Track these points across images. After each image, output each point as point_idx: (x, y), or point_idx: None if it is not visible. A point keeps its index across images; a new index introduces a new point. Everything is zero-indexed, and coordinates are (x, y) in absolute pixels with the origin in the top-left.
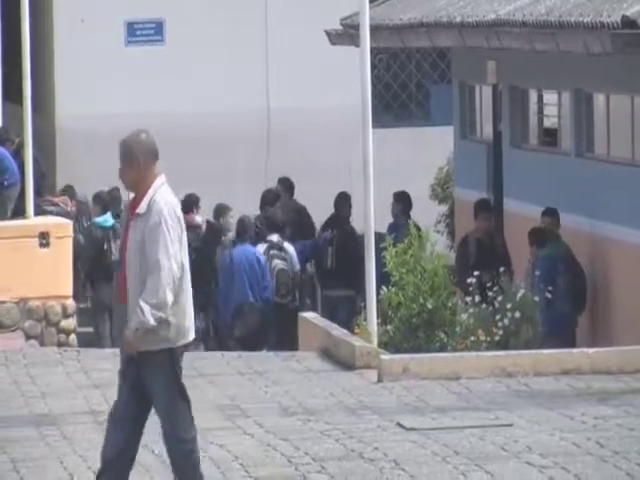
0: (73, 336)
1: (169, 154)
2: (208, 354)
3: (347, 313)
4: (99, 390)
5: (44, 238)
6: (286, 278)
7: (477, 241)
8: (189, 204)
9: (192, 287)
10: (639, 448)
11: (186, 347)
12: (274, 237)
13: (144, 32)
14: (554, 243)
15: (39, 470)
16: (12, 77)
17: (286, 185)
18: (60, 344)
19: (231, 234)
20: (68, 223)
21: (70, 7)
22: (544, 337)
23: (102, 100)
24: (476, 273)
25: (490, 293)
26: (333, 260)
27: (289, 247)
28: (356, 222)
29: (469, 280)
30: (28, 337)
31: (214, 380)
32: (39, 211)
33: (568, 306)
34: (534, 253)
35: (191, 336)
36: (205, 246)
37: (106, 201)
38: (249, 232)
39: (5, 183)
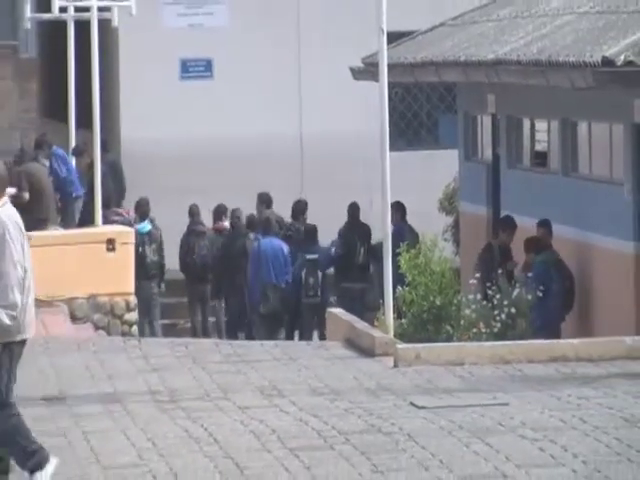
0: (135, 327)
1: (217, 171)
2: (249, 343)
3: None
4: (157, 373)
5: (111, 244)
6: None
7: (499, 248)
8: (219, 213)
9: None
10: (616, 424)
11: (24, 342)
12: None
13: (196, 69)
14: (547, 251)
15: (106, 440)
16: (84, 107)
17: (264, 199)
18: (124, 334)
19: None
20: (130, 231)
21: (133, 46)
22: (536, 330)
23: (160, 126)
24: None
25: (490, 292)
26: (364, 257)
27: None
28: (376, 230)
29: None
30: (97, 328)
31: (255, 366)
32: (106, 219)
33: (559, 304)
34: (530, 259)
35: (30, 333)
36: (232, 243)
37: (144, 209)
38: (274, 228)
39: (73, 195)
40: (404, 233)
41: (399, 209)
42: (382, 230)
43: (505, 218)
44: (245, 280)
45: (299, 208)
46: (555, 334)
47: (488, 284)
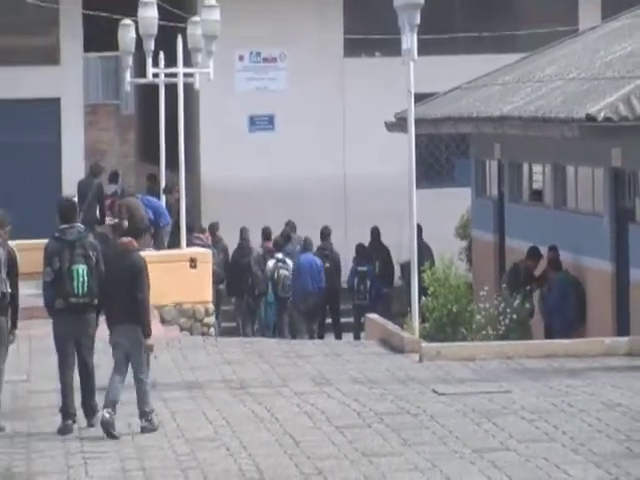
0: (212, 329)
1: (275, 204)
2: (304, 342)
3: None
4: (229, 366)
5: (193, 262)
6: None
7: (524, 268)
8: (266, 234)
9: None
10: (596, 407)
11: None
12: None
13: (261, 123)
14: (563, 270)
15: (189, 419)
16: (171, 153)
17: (291, 225)
18: (203, 334)
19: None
20: (209, 252)
21: (211, 105)
22: (557, 333)
23: (232, 167)
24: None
25: (496, 301)
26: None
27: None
28: (405, 249)
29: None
30: (182, 329)
31: (308, 360)
32: (189, 242)
33: (575, 314)
34: (552, 277)
35: None
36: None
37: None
38: (311, 246)
39: (161, 224)
40: (421, 247)
41: (417, 229)
42: (410, 252)
43: (533, 248)
44: (248, 286)
45: (326, 232)
46: (570, 337)
47: (514, 294)
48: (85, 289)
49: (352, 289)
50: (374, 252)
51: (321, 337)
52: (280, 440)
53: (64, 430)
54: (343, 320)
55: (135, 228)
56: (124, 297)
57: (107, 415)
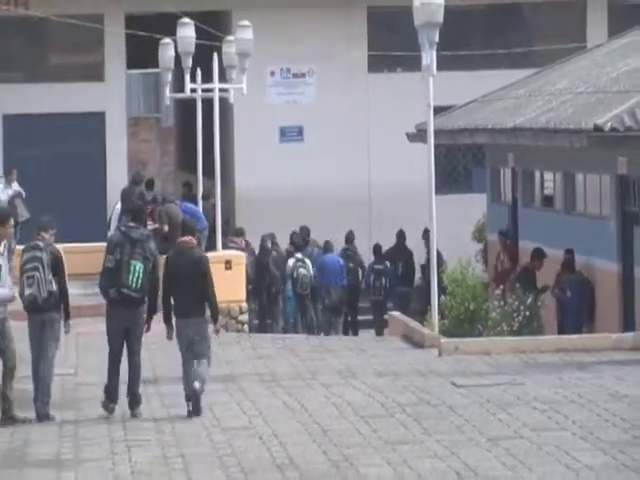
0: (246, 326)
1: (304, 209)
2: (331, 338)
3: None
4: (262, 360)
5: (228, 264)
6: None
7: (533, 269)
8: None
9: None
10: (604, 398)
11: None
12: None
13: (291, 134)
14: (577, 271)
15: (225, 410)
16: (208, 162)
17: (306, 229)
18: (238, 330)
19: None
20: (242, 255)
21: (244, 117)
22: (571, 330)
23: (264, 175)
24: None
25: (510, 300)
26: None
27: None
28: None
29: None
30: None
31: (335, 354)
32: (224, 246)
33: (587, 312)
34: (567, 277)
35: None
36: (261, 259)
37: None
38: (332, 248)
39: (199, 228)
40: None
41: (425, 236)
42: (429, 253)
43: (537, 249)
44: (266, 284)
45: (351, 237)
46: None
47: (527, 293)
48: (139, 284)
49: (369, 286)
50: (397, 254)
51: (345, 333)
52: (309, 429)
53: (107, 408)
54: (361, 318)
55: (173, 232)
56: (191, 292)
57: (197, 385)
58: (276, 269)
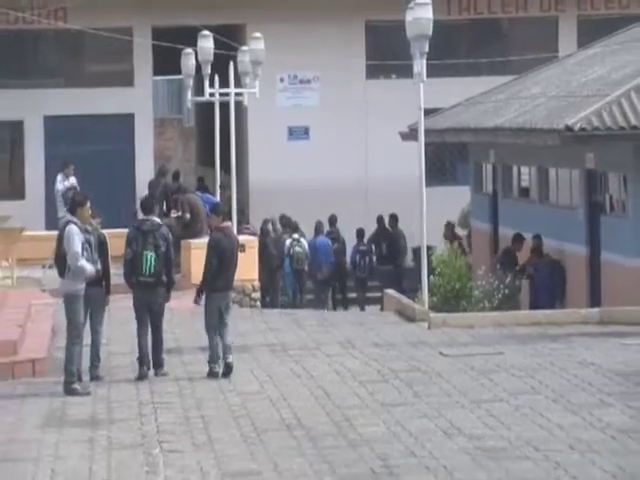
0: (258, 302)
1: (309, 200)
2: (335, 313)
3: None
4: (272, 332)
5: (242, 247)
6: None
7: (514, 251)
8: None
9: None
10: (573, 366)
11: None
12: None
13: (298, 133)
14: (545, 255)
15: (239, 376)
16: (224, 158)
17: (284, 221)
18: (251, 306)
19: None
20: (255, 239)
21: (257, 118)
22: (541, 307)
23: (274, 170)
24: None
25: (491, 279)
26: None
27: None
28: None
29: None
30: (234, 302)
31: (337, 327)
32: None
33: (558, 290)
34: (536, 260)
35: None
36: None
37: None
38: (322, 230)
39: None
40: (397, 235)
41: (393, 219)
42: (420, 239)
43: (518, 234)
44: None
45: (333, 219)
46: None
47: (507, 273)
48: (152, 271)
49: (354, 264)
50: (380, 236)
51: (335, 309)
52: (314, 393)
53: (141, 376)
54: (350, 295)
55: (194, 220)
56: (233, 268)
57: (230, 359)
58: (274, 249)
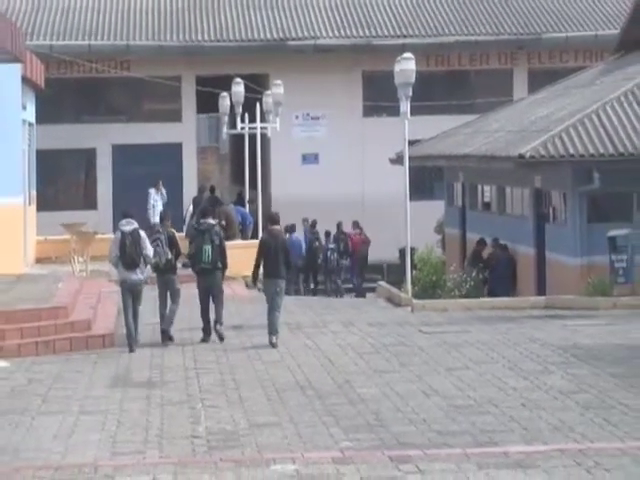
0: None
1: (318, 211)
2: (334, 300)
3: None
4: (288, 314)
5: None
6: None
7: (479, 252)
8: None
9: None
10: (525, 341)
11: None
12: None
13: (309, 158)
14: (505, 253)
15: (263, 348)
16: (252, 177)
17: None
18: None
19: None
20: None
21: (278, 146)
22: (496, 295)
23: (291, 187)
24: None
25: (460, 273)
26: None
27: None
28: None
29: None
30: (259, 291)
31: (339, 310)
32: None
33: (507, 282)
34: (498, 252)
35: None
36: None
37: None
38: (294, 229)
39: (247, 223)
40: (360, 241)
41: (355, 225)
42: (405, 243)
43: (481, 239)
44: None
45: (314, 224)
46: (508, 296)
47: (473, 269)
48: (209, 259)
49: (325, 260)
50: (340, 237)
51: (306, 294)
52: (322, 362)
53: (205, 340)
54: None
55: (229, 227)
56: (278, 261)
57: (274, 339)
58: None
